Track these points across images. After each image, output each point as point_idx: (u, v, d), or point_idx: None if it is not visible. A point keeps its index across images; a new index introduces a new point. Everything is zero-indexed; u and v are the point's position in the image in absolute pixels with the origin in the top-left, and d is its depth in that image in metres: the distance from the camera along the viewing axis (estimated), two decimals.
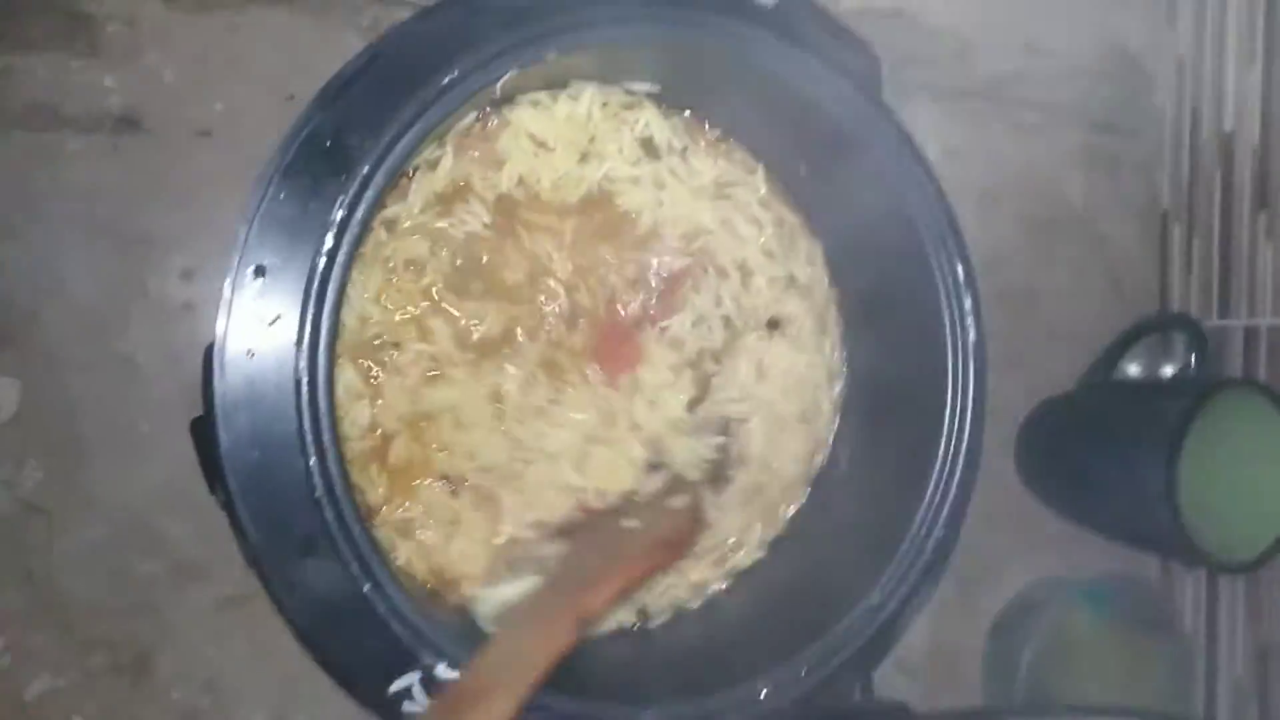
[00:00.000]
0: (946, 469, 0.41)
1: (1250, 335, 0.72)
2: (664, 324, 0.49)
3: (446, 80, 0.35)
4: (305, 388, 0.34)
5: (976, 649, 0.70)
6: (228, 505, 0.35)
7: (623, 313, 0.48)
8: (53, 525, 0.52)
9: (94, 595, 0.53)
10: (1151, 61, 0.80)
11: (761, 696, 0.41)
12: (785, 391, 0.50)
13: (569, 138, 0.47)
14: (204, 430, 0.38)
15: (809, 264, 0.51)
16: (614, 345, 0.48)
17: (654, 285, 0.49)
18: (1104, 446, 0.67)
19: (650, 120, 0.48)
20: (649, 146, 0.49)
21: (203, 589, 0.54)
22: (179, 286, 0.54)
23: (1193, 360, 0.67)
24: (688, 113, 0.50)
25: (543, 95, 0.47)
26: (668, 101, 0.50)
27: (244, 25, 0.55)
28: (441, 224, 0.46)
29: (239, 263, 0.34)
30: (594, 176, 0.47)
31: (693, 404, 0.50)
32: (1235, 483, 0.65)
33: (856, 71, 0.42)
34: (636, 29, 0.38)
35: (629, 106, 0.48)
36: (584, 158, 0.47)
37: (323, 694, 0.53)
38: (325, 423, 0.34)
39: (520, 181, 0.46)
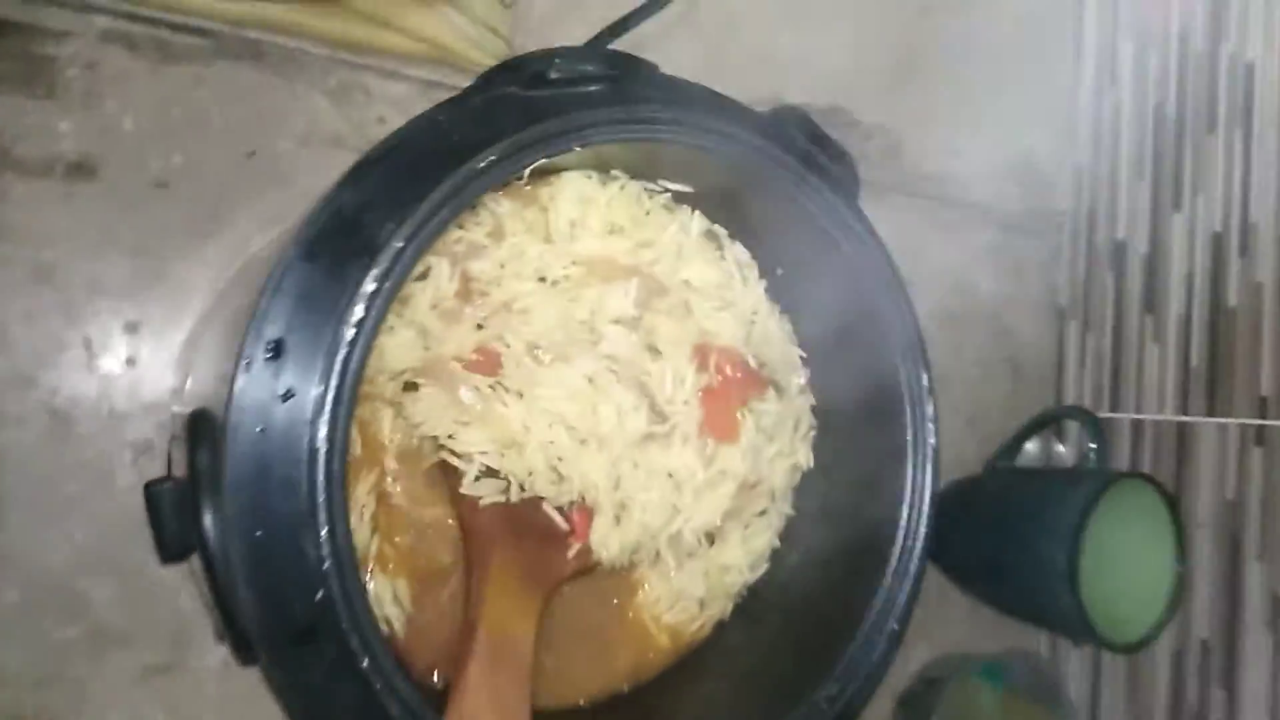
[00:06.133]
0: (901, 564, 0.43)
1: (1136, 427, 0.79)
2: None
3: (481, 164, 0.36)
4: (323, 458, 0.33)
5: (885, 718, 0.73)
6: (214, 586, 0.34)
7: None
8: None
9: (6, 663, 0.50)
10: (1054, 171, 0.88)
11: None
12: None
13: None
14: (159, 497, 0.37)
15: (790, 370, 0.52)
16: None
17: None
18: (1009, 529, 0.71)
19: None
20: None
21: (124, 657, 0.52)
22: (123, 340, 0.52)
23: (1090, 449, 0.72)
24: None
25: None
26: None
27: (209, 79, 0.54)
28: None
29: (253, 335, 0.33)
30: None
31: None
32: (1123, 567, 0.70)
33: (835, 176, 0.45)
34: (637, 130, 0.40)
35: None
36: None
37: None
38: (338, 495, 0.33)
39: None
